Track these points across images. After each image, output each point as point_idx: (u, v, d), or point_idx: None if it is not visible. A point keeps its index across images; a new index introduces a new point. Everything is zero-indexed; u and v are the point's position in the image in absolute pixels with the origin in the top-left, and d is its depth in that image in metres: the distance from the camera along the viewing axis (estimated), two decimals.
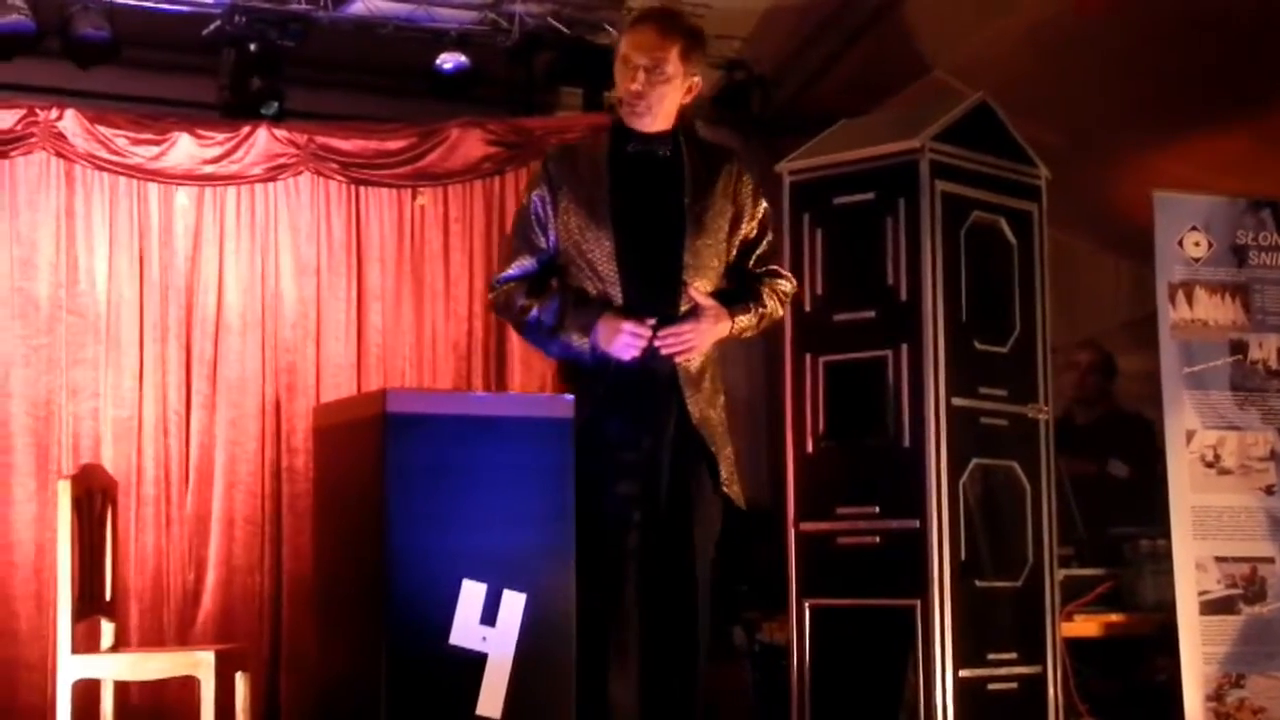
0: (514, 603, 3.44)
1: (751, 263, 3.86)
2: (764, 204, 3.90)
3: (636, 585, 3.64)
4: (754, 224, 3.86)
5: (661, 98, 3.72)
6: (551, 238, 3.76)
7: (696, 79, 3.80)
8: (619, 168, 3.74)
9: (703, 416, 3.75)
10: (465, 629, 3.40)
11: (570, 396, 3.62)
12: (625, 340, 3.62)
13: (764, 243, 3.89)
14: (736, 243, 3.83)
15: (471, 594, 3.42)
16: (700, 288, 3.72)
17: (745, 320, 3.78)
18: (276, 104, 6.25)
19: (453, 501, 3.45)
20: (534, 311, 3.71)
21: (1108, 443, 5.52)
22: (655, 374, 3.68)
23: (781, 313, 3.92)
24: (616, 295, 3.67)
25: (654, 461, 3.67)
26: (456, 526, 3.44)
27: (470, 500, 3.46)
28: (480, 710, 3.40)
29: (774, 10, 6.85)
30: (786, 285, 3.91)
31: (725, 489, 3.78)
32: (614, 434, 3.64)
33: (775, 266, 3.92)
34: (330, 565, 3.77)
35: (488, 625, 3.42)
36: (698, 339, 3.69)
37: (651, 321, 3.64)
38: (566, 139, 6.57)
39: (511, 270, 3.78)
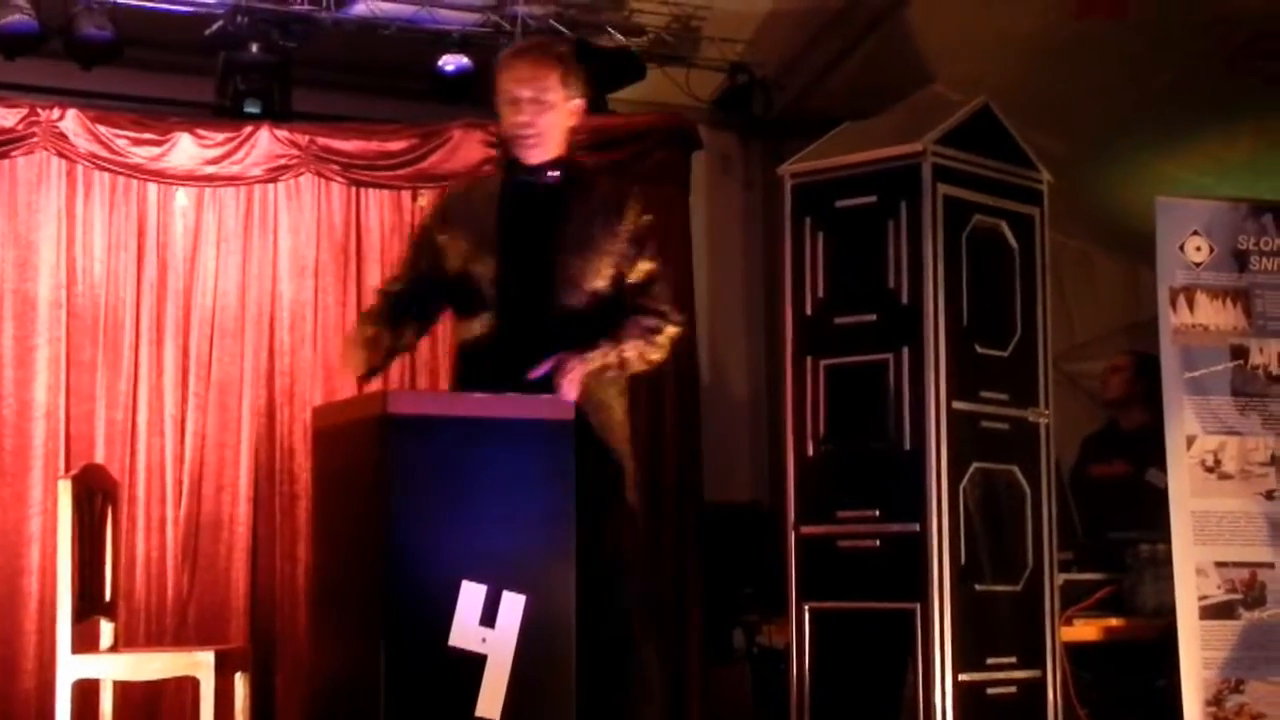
0: (514, 604, 3.43)
1: (635, 288, 3.90)
2: (649, 241, 3.94)
3: None
4: (636, 248, 3.90)
5: (550, 126, 3.86)
6: (431, 265, 3.94)
7: (578, 101, 3.93)
8: (508, 199, 3.89)
9: (606, 431, 3.83)
10: (465, 630, 3.40)
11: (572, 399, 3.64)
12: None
13: (643, 269, 3.91)
14: (625, 264, 3.89)
15: (471, 595, 3.42)
16: (574, 303, 3.81)
17: (600, 360, 3.80)
18: (260, 102, 6.24)
19: (453, 502, 3.44)
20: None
21: (1151, 450, 5.51)
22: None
23: (654, 358, 3.89)
24: (491, 317, 3.81)
25: None
26: (456, 527, 3.44)
27: (470, 501, 3.46)
28: (480, 712, 3.40)
29: (776, 13, 6.85)
30: (662, 338, 3.90)
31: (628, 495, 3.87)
32: None
33: (661, 306, 3.93)
34: (329, 566, 3.77)
35: (487, 626, 3.42)
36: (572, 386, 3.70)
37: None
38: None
39: (394, 285, 4.05)
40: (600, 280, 3.85)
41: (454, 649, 3.39)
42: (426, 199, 6.50)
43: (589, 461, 3.72)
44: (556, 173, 3.88)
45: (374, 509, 3.42)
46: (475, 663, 3.40)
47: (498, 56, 4.03)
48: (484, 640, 3.41)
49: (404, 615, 3.37)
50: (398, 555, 3.38)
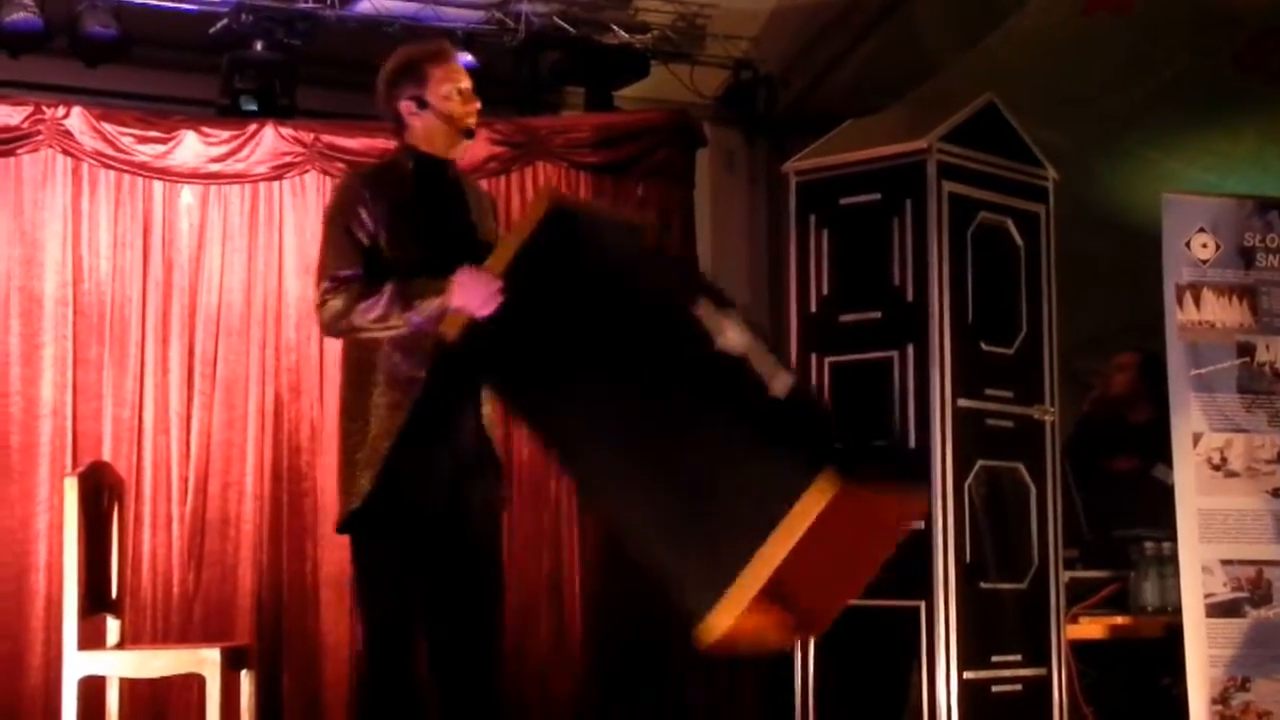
0: (734, 314, 3.54)
1: None
2: None
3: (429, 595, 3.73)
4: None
5: None
6: (374, 254, 3.75)
7: None
8: (426, 190, 3.82)
9: (491, 428, 3.84)
10: (721, 338, 3.47)
11: None
12: (488, 293, 3.57)
13: None
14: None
15: (706, 308, 3.53)
16: None
17: None
18: (257, 100, 6.24)
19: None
20: (386, 294, 3.65)
21: (1158, 445, 5.51)
22: (462, 389, 3.76)
23: None
24: None
25: (454, 473, 3.75)
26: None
27: None
28: (774, 393, 3.44)
29: (781, 10, 6.85)
30: None
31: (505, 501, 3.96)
32: (424, 450, 3.69)
33: None
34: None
35: (730, 334, 3.50)
36: None
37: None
38: (574, 137, 6.61)
39: (346, 271, 3.73)
40: None
41: (720, 353, 3.43)
42: None
43: (487, 461, 3.80)
44: (455, 169, 3.92)
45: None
46: (741, 360, 3.44)
47: (426, 46, 3.98)
48: (732, 341, 3.47)
49: (669, 342, 3.46)
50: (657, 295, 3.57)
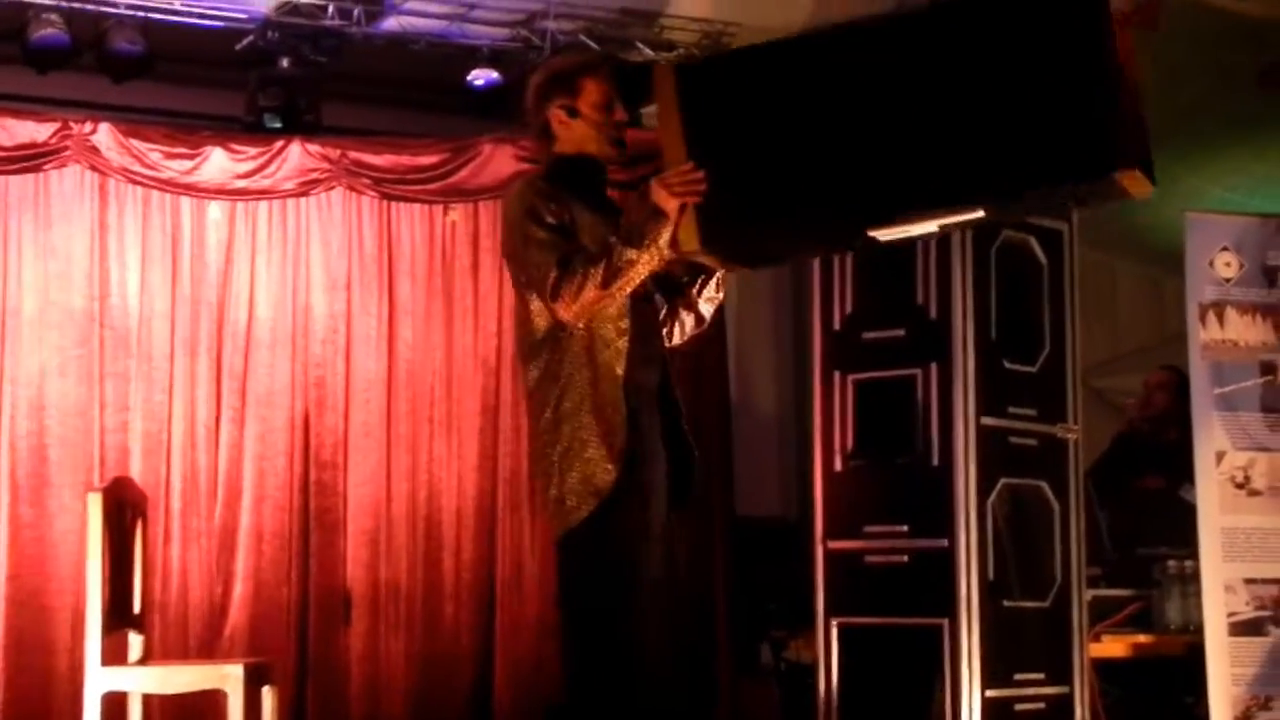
0: None
1: None
2: None
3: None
4: None
5: None
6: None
7: None
8: (591, 191, 3.85)
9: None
10: None
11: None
12: (688, 178, 3.58)
13: None
14: None
15: None
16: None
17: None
18: (280, 117, 6.28)
19: None
20: (608, 250, 3.63)
21: (1186, 464, 5.49)
22: (655, 388, 3.82)
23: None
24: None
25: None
26: None
27: None
28: None
29: (806, 29, 6.86)
30: None
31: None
32: (648, 450, 3.76)
33: None
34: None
35: None
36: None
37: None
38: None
39: (563, 253, 3.68)
40: None
41: None
42: (457, 213, 6.54)
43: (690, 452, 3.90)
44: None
45: None
46: None
47: (588, 59, 4.04)
48: None
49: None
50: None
